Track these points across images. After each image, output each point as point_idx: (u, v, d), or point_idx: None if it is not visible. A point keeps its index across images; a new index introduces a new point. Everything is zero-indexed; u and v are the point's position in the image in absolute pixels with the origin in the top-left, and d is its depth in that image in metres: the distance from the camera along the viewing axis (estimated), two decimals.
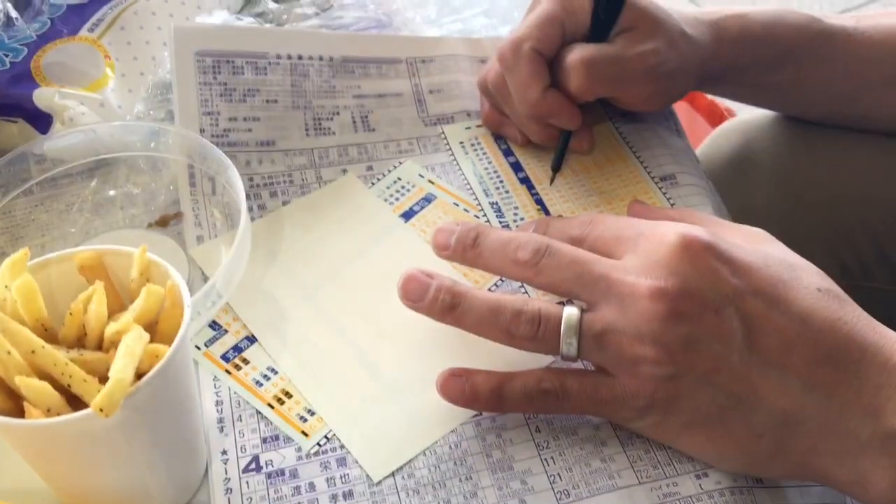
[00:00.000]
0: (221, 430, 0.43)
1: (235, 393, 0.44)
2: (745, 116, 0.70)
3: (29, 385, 0.32)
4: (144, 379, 0.33)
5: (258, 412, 0.43)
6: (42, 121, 0.54)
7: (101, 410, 0.31)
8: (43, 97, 0.53)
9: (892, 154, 0.63)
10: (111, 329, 0.34)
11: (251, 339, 0.47)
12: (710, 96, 1.24)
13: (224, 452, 0.42)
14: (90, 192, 0.54)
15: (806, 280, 0.40)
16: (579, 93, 0.51)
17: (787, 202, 0.65)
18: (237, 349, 0.46)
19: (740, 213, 0.56)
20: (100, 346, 0.36)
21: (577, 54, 0.50)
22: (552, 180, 0.54)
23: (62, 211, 0.53)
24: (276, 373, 0.45)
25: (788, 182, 0.65)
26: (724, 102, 1.23)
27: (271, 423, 0.43)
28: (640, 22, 0.51)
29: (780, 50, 0.57)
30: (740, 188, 0.66)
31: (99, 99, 0.55)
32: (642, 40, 0.51)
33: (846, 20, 0.59)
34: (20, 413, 0.33)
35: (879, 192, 0.63)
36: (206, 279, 0.50)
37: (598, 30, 0.52)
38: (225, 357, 0.46)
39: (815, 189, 0.65)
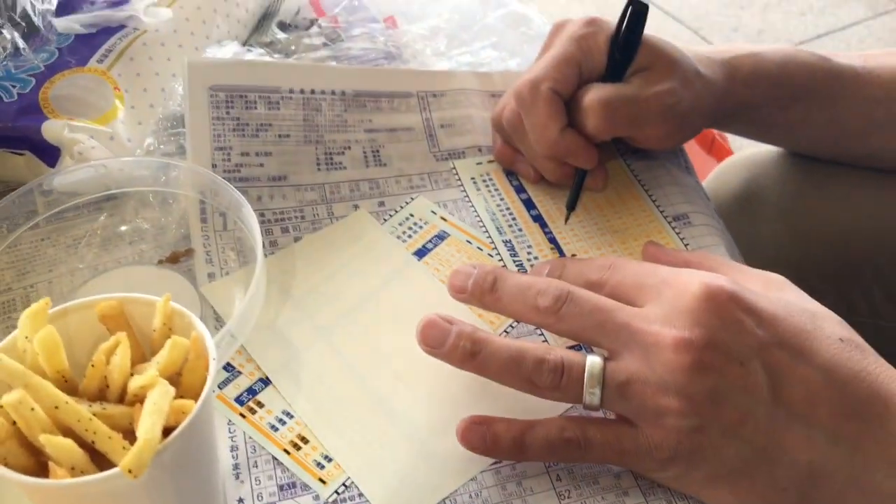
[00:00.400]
0: (237, 476, 0.42)
1: (251, 438, 0.44)
2: (751, 152, 0.70)
3: (54, 443, 0.31)
4: (171, 437, 0.32)
5: (274, 458, 0.43)
6: (50, 154, 0.53)
7: (130, 471, 0.30)
8: (52, 130, 0.53)
9: (892, 190, 0.63)
10: (136, 383, 0.34)
11: (265, 381, 0.46)
12: None
13: (241, 501, 0.41)
14: (99, 227, 0.53)
15: (828, 330, 0.40)
16: (597, 133, 0.51)
17: (795, 238, 0.66)
18: (251, 392, 0.46)
19: (747, 249, 0.57)
20: (121, 399, 0.35)
21: (595, 95, 0.51)
22: (567, 219, 0.54)
23: (69, 245, 0.53)
24: (291, 417, 0.44)
25: (795, 218, 0.66)
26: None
27: (288, 470, 0.42)
28: (656, 62, 0.52)
29: (791, 89, 0.57)
30: (747, 224, 0.66)
31: (108, 132, 0.54)
32: (658, 80, 0.51)
33: (854, 59, 0.59)
34: (41, 469, 0.32)
35: (886, 230, 0.63)
36: (217, 317, 0.49)
37: (615, 70, 0.52)
38: (239, 400, 0.45)
39: (823, 226, 0.65)
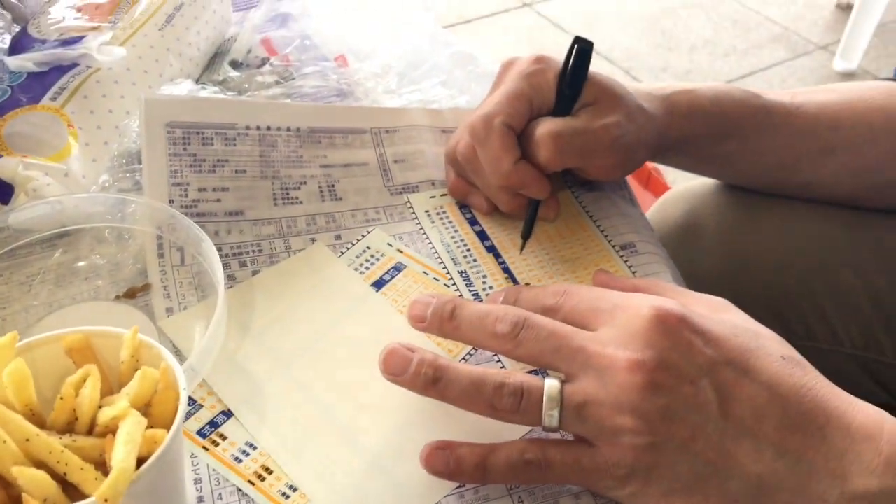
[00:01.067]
0: None
1: (214, 470, 0.44)
2: (690, 185, 0.73)
3: (27, 475, 0.31)
4: (145, 466, 0.32)
5: (238, 489, 0.43)
6: (4, 192, 0.53)
7: (106, 501, 0.30)
8: (6, 168, 0.52)
9: (830, 219, 0.67)
10: (106, 415, 0.34)
11: (227, 414, 0.46)
12: None
13: None
14: (53, 264, 0.53)
15: (771, 348, 0.42)
16: (548, 164, 0.53)
17: (733, 267, 0.69)
18: (214, 424, 0.46)
19: (688, 277, 0.59)
20: (90, 431, 0.35)
21: (546, 128, 0.53)
22: (522, 248, 0.56)
23: (22, 283, 0.52)
24: (254, 448, 0.45)
25: (733, 248, 0.69)
26: (650, 163, 1.29)
27: (253, 501, 0.43)
28: (601, 97, 0.54)
29: (726, 123, 0.61)
30: (687, 254, 0.69)
31: (63, 169, 0.54)
32: (605, 113, 0.54)
33: (783, 96, 0.63)
34: (13, 502, 0.32)
35: (819, 257, 0.67)
36: (177, 352, 0.49)
37: (563, 104, 0.55)
38: (201, 433, 0.45)
39: (759, 254, 0.68)
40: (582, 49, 0.54)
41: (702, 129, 0.60)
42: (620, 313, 0.42)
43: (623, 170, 0.58)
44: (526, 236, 0.56)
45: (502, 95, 0.54)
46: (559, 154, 0.53)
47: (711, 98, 0.60)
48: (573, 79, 0.54)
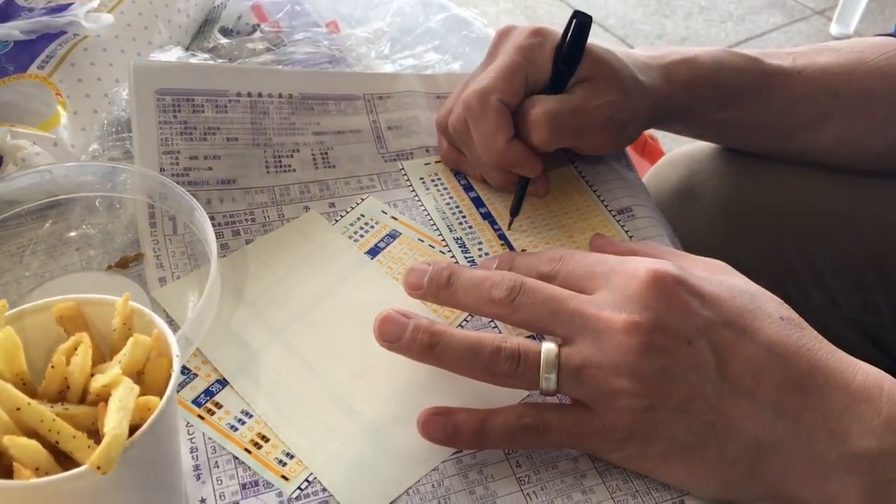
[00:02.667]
0: (198, 477, 0.42)
1: (210, 438, 0.44)
2: (689, 148, 0.73)
3: (17, 444, 0.30)
4: (139, 433, 0.32)
5: (235, 457, 0.43)
6: None
7: (99, 468, 0.30)
8: None
9: (829, 183, 0.66)
10: (98, 382, 0.33)
11: (223, 383, 0.46)
12: None
13: (203, 501, 0.41)
14: (44, 235, 0.52)
15: (769, 309, 0.42)
16: (542, 145, 0.53)
17: (730, 231, 0.68)
18: (209, 393, 0.45)
19: (685, 241, 0.59)
20: (82, 399, 0.35)
21: (541, 109, 0.52)
22: (510, 224, 0.56)
23: (13, 254, 0.52)
24: (250, 416, 0.45)
25: (730, 212, 0.68)
26: (649, 130, 1.29)
27: (249, 469, 0.42)
28: (598, 73, 0.53)
29: (724, 92, 0.60)
30: (684, 219, 0.68)
31: (52, 138, 0.53)
32: (600, 92, 0.53)
33: (783, 58, 0.62)
34: (4, 472, 0.32)
35: (817, 221, 0.66)
36: (171, 321, 0.49)
37: (558, 80, 0.53)
38: (197, 402, 0.45)
39: (756, 218, 0.68)
40: (580, 23, 0.53)
41: (700, 98, 0.60)
42: (617, 276, 0.42)
43: (616, 146, 0.57)
44: (514, 213, 0.55)
45: (498, 70, 0.53)
46: (553, 135, 0.52)
47: (711, 66, 0.59)
48: (570, 54, 0.53)
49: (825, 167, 0.66)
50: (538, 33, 0.54)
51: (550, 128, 0.52)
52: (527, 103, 0.53)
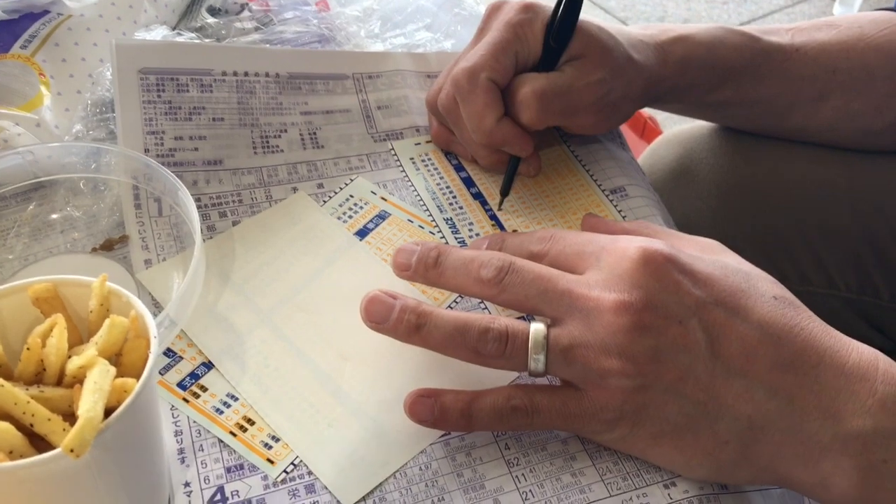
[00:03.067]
0: (182, 461, 0.41)
1: (195, 422, 0.43)
2: (686, 127, 0.72)
3: None
4: (114, 415, 0.31)
5: (220, 441, 0.42)
6: None
7: (72, 451, 0.29)
8: None
9: (827, 162, 0.65)
10: (74, 364, 0.33)
11: (208, 366, 0.45)
12: None
13: (187, 484, 0.40)
14: (28, 217, 0.51)
15: (762, 288, 0.41)
16: (531, 124, 0.52)
17: (726, 210, 0.67)
18: (194, 376, 0.45)
19: (682, 220, 0.58)
20: (59, 382, 0.34)
21: (530, 88, 0.51)
22: (500, 205, 0.55)
23: None
24: (236, 399, 0.44)
25: (727, 191, 0.67)
26: (646, 112, 1.27)
27: (235, 452, 0.42)
28: (589, 50, 0.52)
29: (721, 71, 0.59)
30: (681, 198, 0.67)
31: (35, 119, 0.52)
32: (591, 70, 0.52)
33: (782, 35, 0.61)
34: None
35: (815, 200, 0.66)
36: (156, 304, 0.48)
37: (548, 57, 0.52)
38: (181, 385, 0.44)
39: (753, 197, 0.67)
40: (572, 0, 0.51)
41: (696, 78, 0.58)
42: (607, 255, 0.41)
43: (608, 125, 0.56)
44: (504, 193, 0.54)
45: (487, 47, 0.52)
46: (542, 114, 0.51)
47: (707, 45, 0.58)
48: (561, 31, 0.52)
49: (823, 145, 0.65)
50: (529, 9, 0.53)
51: (539, 107, 0.51)
52: (516, 81, 0.52)
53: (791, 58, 0.60)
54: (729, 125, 0.68)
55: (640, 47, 0.56)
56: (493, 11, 0.55)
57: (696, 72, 0.58)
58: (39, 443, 0.32)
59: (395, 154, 0.58)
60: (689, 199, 0.68)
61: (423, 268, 0.44)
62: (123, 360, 0.34)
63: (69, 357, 0.34)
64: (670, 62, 0.57)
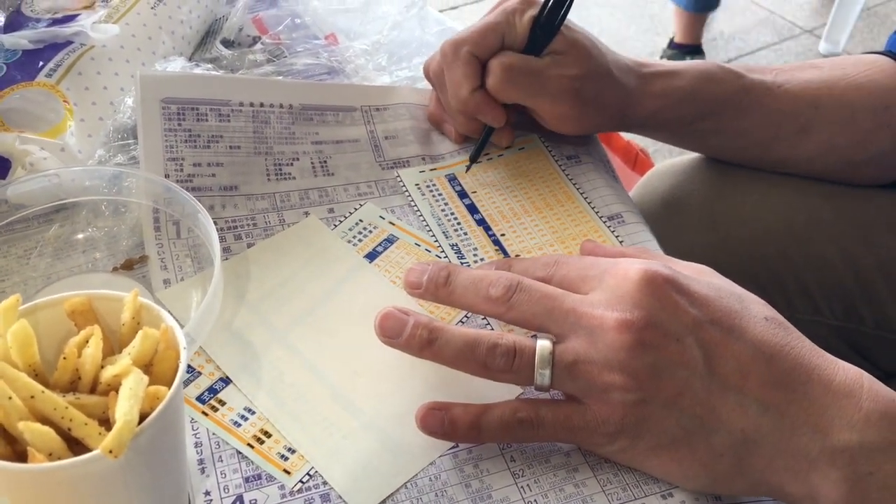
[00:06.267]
0: (203, 471, 0.43)
1: (214, 434, 0.45)
2: (676, 160, 0.74)
3: (32, 429, 0.32)
4: (148, 420, 0.33)
5: (238, 452, 0.44)
6: (0, 166, 0.54)
7: (111, 452, 0.31)
8: (2, 142, 0.53)
9: (813, 193, 0.68)
10: (109, 372, 0.35)
11: (226, 381, 0.47)
12: (625, 138, 1.32)
13: (207, 493, 0.42)
14: (51, 237, 0.53)
15: (754, 310, 0.43)
16: (494, 92, 0.57)
17: (715, 241, 0.70)
18: (212, 391, 0.47)
19: (671, 250, 0.60)
20: (93, 390, 0.36)
21: (500, 58, 0.57)
22: (468, 169, 0.61)
23: (20, 256, 0.53)
24: (253, 413, 0.46)
25: (716, 222, 0.70)
26: (638, 143, 1.31)
27: (252, 463, 0.44)
28: (572, 49, 0.58)
29: (702, 105, 0.62)
30: (671, 229, 0.70)
31: (59, 144, 0.55)
32: (567, 65, 0.57)
33: (766, 74, 0.64)
34: (18, 458, 0.33)
35: (801, 231, 0.68)
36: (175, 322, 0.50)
37: (533, 45, 0.58)
38: (200, 399, 0.46)
39: (741, 228, 0.69)
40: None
41: (677, 109, 0.62)
42: (609, 277, 0.44)
43: (577, 124, 0.60)
44: (473, 159, 0.61)
45: (477, 25, 0.58)
46: (505, 84, 0.57)
47: (691, 80, 0.61)
48: (547, 22, 0.57)
49: (807, 177, 0.68)
50: (527, 1, 0.58)
51: (504, 76, 0.57)
52: (496, 55, 0.58)
53: (772, 93, 0.63)
54: (715, 156, 0.71)
55: (625, 70, 0.60)
56: (501, 0, 0.60)
57: (677, 103, 0.62)
58: (75, 447, 0.33)
59: (402, 181, 0.60)
60: (679, 228, 0.70)
61: (434, 286, 0.47)
62: (154, 370, 0.36)
63: (102, 367, 0.36)
64: (650, 91, 0.61)
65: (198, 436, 0.45)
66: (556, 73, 0.57)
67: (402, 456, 0.44)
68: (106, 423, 0.34)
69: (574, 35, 0.58)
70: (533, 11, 0.58)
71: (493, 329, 0.51)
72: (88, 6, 0.62)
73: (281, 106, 0.60)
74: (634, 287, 0.42)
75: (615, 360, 0.41)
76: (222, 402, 0.46)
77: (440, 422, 0.43)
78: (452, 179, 0.61)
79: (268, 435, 0.45)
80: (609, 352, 0.41)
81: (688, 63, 0.62)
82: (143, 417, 0.34)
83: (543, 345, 0.42)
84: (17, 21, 0.61)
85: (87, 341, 0.36)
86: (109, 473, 0.33)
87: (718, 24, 2.52)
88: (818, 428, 0.40)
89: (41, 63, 0.58)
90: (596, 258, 0.47)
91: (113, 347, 0.38)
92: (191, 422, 0.45)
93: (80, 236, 0.53)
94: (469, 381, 0.44)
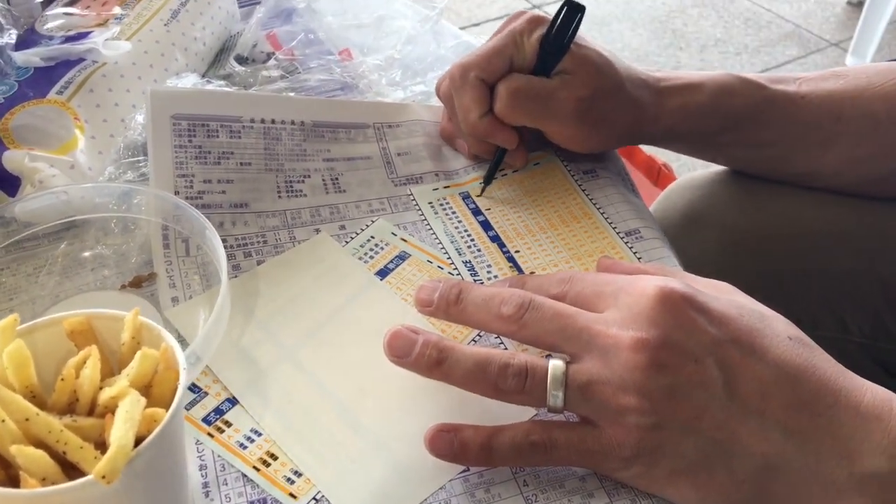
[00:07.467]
0: (207, 494, 0.42)
1: (219, 456, 0.44)
2: (697, 174, 0.73)
3: (25, 454, 0.31)
4: (144, 444, 0.32)
5: (243, 475, 0.43)
6: (10, 183, 0.53)
7: (104, 477, 0.30)
8: (12, 159, 0.53)
9: (837, 207, 0.66)
10: (106, 394, 0.34)
11: (232, 401, 0.46)
12: (647, 152, 1.30)
13: None
14: (59, 255, 0.53)
15: (778, 329, 0.42)
16: (502, 116, 0.56)
17: (737, 256, 0.68)
18: (218, 412, 0.46)
19: (692, 265, 0.59)
20: (91, 412, 0.35)
21: (506, 83, 0.56)
22: (482, 191, 0.59)
23: (29, 274, 0.52)
24: (259, 434, 0.45)
25: (737, 237, 0.68)
26: (661, 158, 1.29)
27: (258, 486, 0.42)
28: (581, 69, 0.56)
29: (721, 121, 0.61)
30: (691, 243, 0.68)
31: (69, 161, 0.54)
32: (576, 86, 0.56)
33: (789, 84, 0.62)
34: (11, 482, 0.32)
35: (826, 245, 0.66)
36: (182, 340, 0.49)
37: (542, 65, 0.57)
38: (206, 420, 0.45)
39: (764, 243, 0.67)
40: (569, 9, 0.55)
41: (695, 125, 0.61)
42: (625, 295, 0.42)
43: (588, 143, 0.59)
44: (487, 181, 0.59)
45: (484, 49, 0.57)
46: (512, 109, 0.56)
47: (710, 94, 0.60)
48: (556, 41, 0.56)
49: (829, 191, 0.66)
50: (534, 21, 0.57)
51: (510, 101, 0.56)
52: (503, 78, 0.57)
53: (796, 104, 0.61)
54: (735, 167, 0.69)
55: (638, 83, 0.58)
56: (510, 20, 0.60)
57: (696, 118, 0.60)
58: (71, 471, 0.33)
59: (414, 198, 0.59)
60: (700, 243, 0.69)
61: (445, 304, 0.45)
62: (153, 392, 0.35)
63: (101, 388, 0.35)
64: (667, 107, 0.59)
65: (203, 458, 0.44)
66: (564, 95, 0.56)
67: (411, 480, 0.43)
68: (103, 445, 0.33)
69: (584, 52, 0.56)
70: (541, 31, 0.56)
71: (506, 348, 0.49)
72: (101, 24, 0.62)
73: (292, 123, 0.59)
74: (651, 305, 0.40)
75: (630, 381, 0.39)
76: (228, 424, 0.45)
77: (450, 444, 0.42)
78: (466, 197, 0.60)
79: (274, 457, 0.44)
80: (624, 372, 0.39)
81: (707, 75, 0.61)
82: (140, 440, 0.33)
83: (556, 365, 0.41)
84: (30, 39, 0.61)
85: (86, 362, 0.35)
86: (105, 499, 0.32)
87: (743, 38, 2.50)
88: (845, 453, 0.38)
89: (53, 80, 0.58)
90: (612, 275, 0.46)
91: (113, 368, 0.38)
92: (196, 444, 0.44)
93: (89, 254, 0.53)
94: (481, 402, 0.43)
